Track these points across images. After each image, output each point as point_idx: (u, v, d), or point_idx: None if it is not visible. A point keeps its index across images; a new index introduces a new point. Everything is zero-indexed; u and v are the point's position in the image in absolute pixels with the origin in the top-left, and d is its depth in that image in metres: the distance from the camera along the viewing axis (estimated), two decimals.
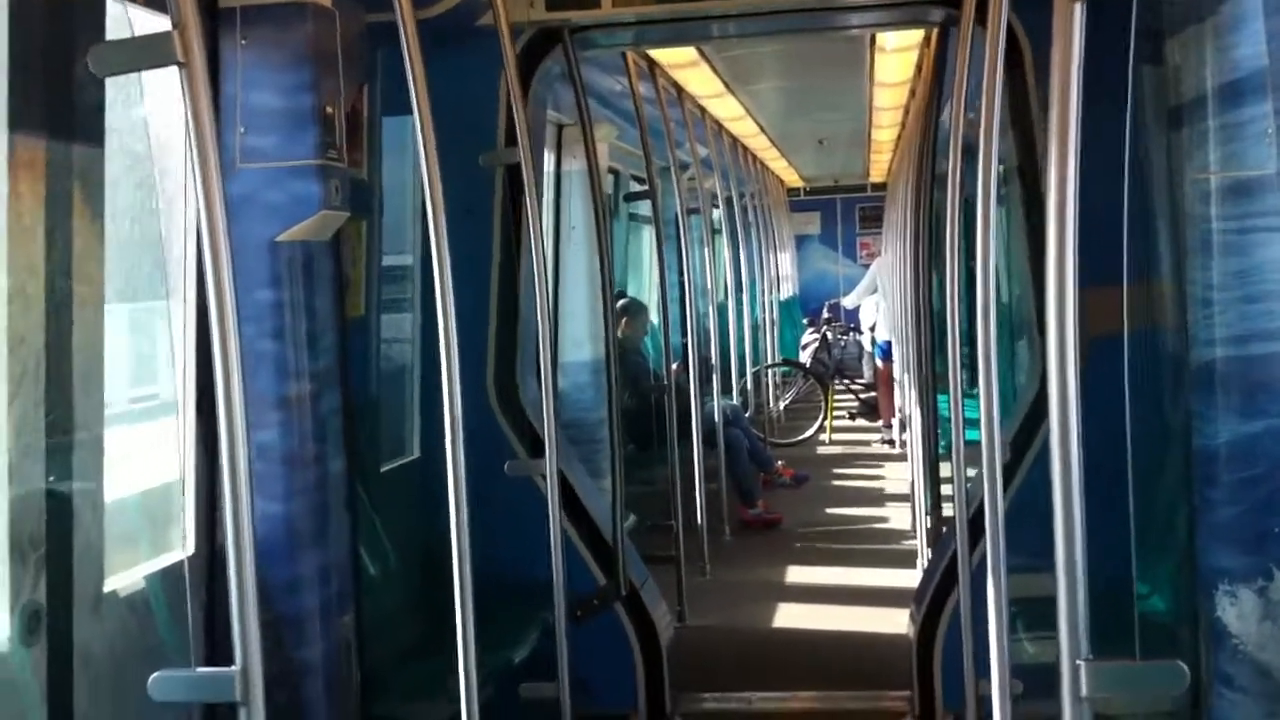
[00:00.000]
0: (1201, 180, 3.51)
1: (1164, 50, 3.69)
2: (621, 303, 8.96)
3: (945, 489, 5.69)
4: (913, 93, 9.44)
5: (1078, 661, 1.88)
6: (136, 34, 2.32)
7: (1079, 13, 1.86)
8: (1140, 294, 3.76)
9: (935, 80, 6.04)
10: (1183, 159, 3.70)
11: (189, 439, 3.70)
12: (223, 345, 2.07)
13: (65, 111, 3.26)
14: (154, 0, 3.15)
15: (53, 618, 3.21)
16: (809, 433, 13.52)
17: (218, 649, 3.58)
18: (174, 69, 2.14)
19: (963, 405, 3.78)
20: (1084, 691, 1.86)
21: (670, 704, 5.24)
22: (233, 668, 2.10)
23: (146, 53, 2.14)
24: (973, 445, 3.53)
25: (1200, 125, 3.54)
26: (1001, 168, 3.92)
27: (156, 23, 3.13)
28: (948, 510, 5.50)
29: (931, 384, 6.33)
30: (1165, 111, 3.83)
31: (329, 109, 3.88)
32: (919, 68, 8.25)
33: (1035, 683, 3.24)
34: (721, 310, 11.62)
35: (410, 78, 3.08)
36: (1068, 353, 1.87)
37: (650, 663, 5.17)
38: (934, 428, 6.32)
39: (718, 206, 12.27)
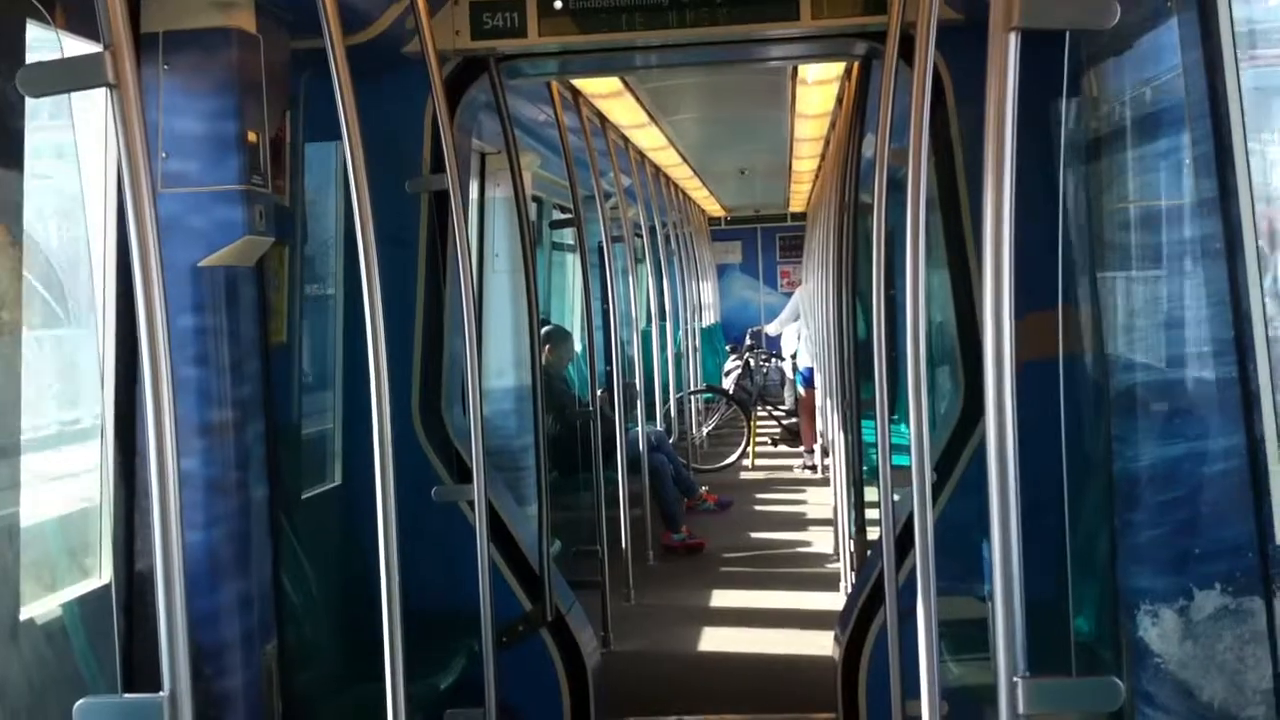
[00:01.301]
0: (1120, 209, 3.59)
1: (1084, 81, 3.77)
2: (546, 329, 8.96)
3: (869, 513, 5.74)
4: (833, 124, 9.55)
5: (1015, 678, 1.90)
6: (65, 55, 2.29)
7: (1013, 43, 1.89)
8: (1061, 320, 3.83)
9: (856, 112, 6.12)
10: (1102, 188, 3.78)
11: (109, 465, 3.63)
12: (153, 370, 2.04)
13: None
14: (79, 25, 3.12)
15: None
16: (732, 459, 13.57)
17: (136, 677, 3.51)
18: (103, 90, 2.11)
19: (889, 429, 3.82)
20: (1021, 708, 1.88)
21: None
22: (160, 694, 2.06)
23: (77, 74, 2.11)
24: (897, 469, 3.57)
25: (1119, 155, 3.63)
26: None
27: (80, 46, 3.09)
28: (872, 533, 5.55)
29: (855, 409, 6.39)
30: (1085, 142, 3.91)
31: (252, 135, 3.85)
32: (840, 100, 8.35)
33: (959, 704, 3.27)
34: (645, 337, 11.66)
35: (339, 104, 3.06)
36: (1005, 378, 1.90)
37: (576, 688, 5.16)
38: (859, 452, 6.38)
39: (641, 235, 12.32)
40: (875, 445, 3.97)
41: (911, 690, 2.84)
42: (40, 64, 2.15)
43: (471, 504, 4.26)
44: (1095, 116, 3.76)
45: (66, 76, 2.16)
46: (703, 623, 7.56)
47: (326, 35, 3.02)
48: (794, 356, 14.97)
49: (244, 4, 3.81)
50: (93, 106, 3.64)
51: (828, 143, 10.66)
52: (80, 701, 2.13)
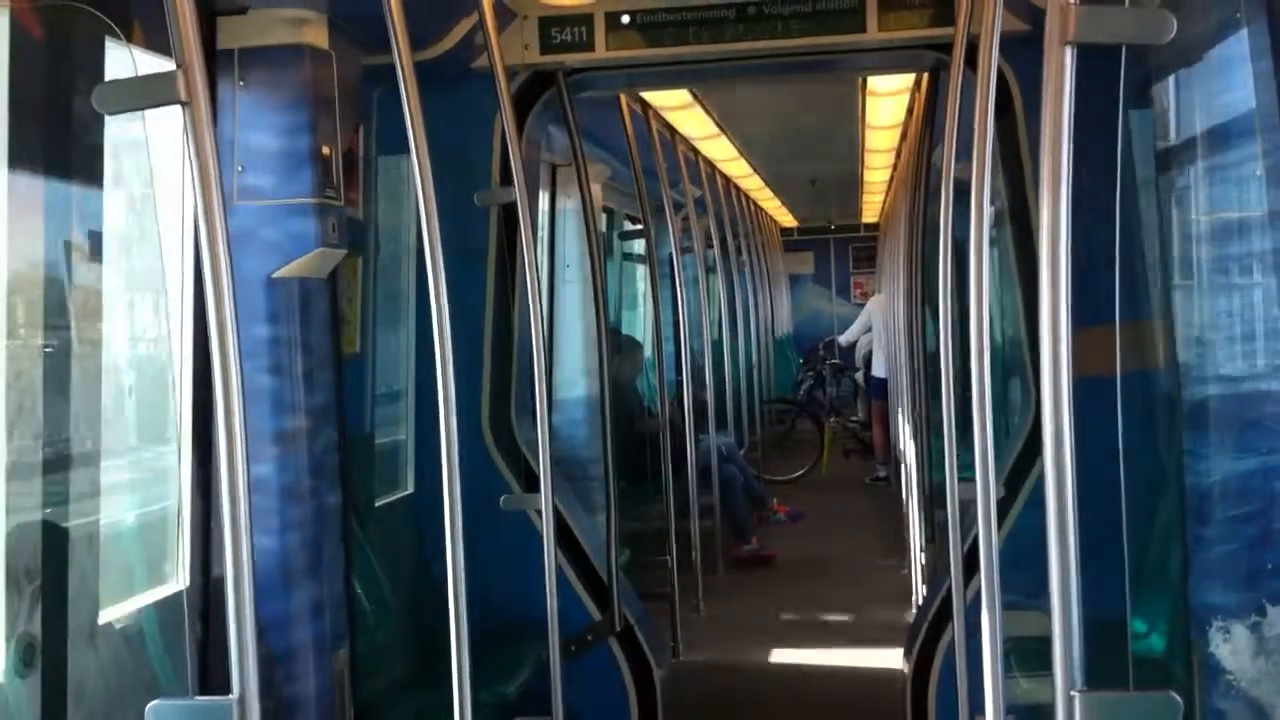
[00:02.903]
0: (1190, 221, 3.55)
1: (1152, 94, 3.74)
2: (616, 340, 8.99)
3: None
4: (904, 135, 9.51)
5: (1072, 693, 1.89)
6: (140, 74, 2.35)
7: (1069, 56, 1.89)
8: (1131, 334, 3.79)
9: (927, 123, 6.10)
10: (1172, 200, 3.74)
11: (185, 473, 3.71)
12: (224, 379, 2.09)
13: (65, 152, 3.29)
14: (156, 42, 3.20)
15: (48, 649, 3.22)
16: (804, 470, 13.52)
17: (210, 680, 3.58)
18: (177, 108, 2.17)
19: (956, 443, 3.81)
20: None
21: None
22: (230, 697, 2.11)
23: (151, 91, 2.17)
24: (967, 482, 3.55)
25: (1189, 167, 3.59)
26: (993, 210, 3.96)
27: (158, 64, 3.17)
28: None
29: (926, 421, 6.35)
30: (1154, 154, 3.87)
31: (326, 149, 3.93)
32: (910, 111, 8.31)
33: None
34: (716, 348, 11.66)
35: (408, 119, 3.11)
36: (1062, 392, 1.89)
37: (644, 698, 5.17)
38: (929, 465, 6.34)
39: (712, 246, 12.32)
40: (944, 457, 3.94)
41: (980, 705, 2.82)
42: (115, 82, 2.21)
43: (539, 512, 4.30)
44: (1164, 128, 3.72)
45: (141, 94, 2.22)
46: (772, 635, 7.55)
47: (396, 51, 3.07)
48: (867, 367, 14.89)
49: (317, 22, 3.89)
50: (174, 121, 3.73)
51: (899, 153, 10.61)
52: (153, 703, 2.18)
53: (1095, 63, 2.08)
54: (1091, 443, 2.07)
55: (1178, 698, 1.90)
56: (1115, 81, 2.89)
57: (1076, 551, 1.91)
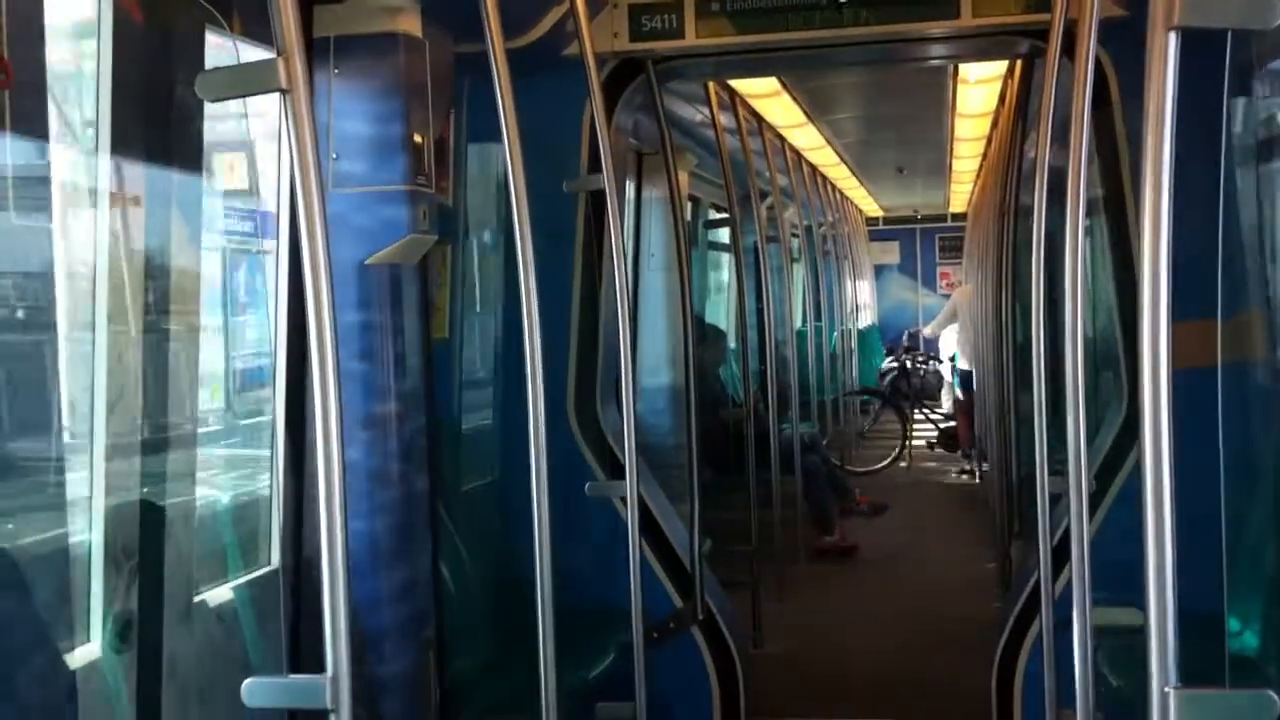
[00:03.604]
0: None
1: (1253, 82, 3.65)
2: (700, 328, 8.99)
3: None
4: (994, 123, 9.39)
5: (1166, 689, 1.86)
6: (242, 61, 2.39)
7: (1173, 42, 1.86)
8: (1231, 327, 3.71)
9: (1019, 111, 6.02)
10: (1274, 191, 3.66)
11: (279, 456, 3.78)
12: (320, 364, 2.12)
13: (165, 139, 3.36)
14: (253, 30, 3.25)
15: (144, 626, 3.30)
16: (887, 461, 13.43)
17: (301, 659, 3.65)
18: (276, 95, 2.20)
19: (1046, 436, 3.76)
20: (1172, 719, 1.85)
21: None
22: (323, 675, 2.15)
23: (252, 79, 2.21)
24: (1057, 476, 3.50)
25: None
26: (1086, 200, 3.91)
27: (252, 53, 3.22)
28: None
29: (1013, 414, 6.28)
30: (1255, 144, 3.79)
31: (418, 137, 3.96)
32: (1002, 98, 8.21)
33: (1115, 716, 3.20)
34: (800, 337, 11.61)
35: (500, 107, 3.13)
36: (1161, 386, 1.86)
37: (726, 687, 5.18)
38: (1016, 458, 6.26)
39: (797, 235, 12.26)
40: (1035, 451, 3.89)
41: (1067, 700, 2.79)
42: (218, 69, 2.25)
43: (624, 500, 4.31)
44: (1266, 118, 3.64)
45: (242, 81, 2.26)
46: (854, 627, 7.51)
47: (488, 39, 3.09)
48: (952, 359, 14.74)
49: (411, 9, 3.92)
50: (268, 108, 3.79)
51: (989, 142, 10.48)
52: (248, 681, 2.22)
53: (1197, 50, 2.03)
54: (1189, 437, 2.03)
55: (1275, 696, 1.86)
56: (1217, 69, 2.83)
57: (1173, 545, 1.88)
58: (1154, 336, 1.87)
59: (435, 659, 4.15)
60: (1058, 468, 3.18)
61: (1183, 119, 1.91)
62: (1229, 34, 2.58)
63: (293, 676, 2.33)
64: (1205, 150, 3.05)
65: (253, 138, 3.87)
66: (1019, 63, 6.06)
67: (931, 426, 14.68)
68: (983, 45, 5.19)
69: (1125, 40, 2.45)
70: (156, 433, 3.41)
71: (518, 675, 3.95)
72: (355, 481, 3.83)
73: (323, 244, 2.14)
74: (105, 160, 3.19)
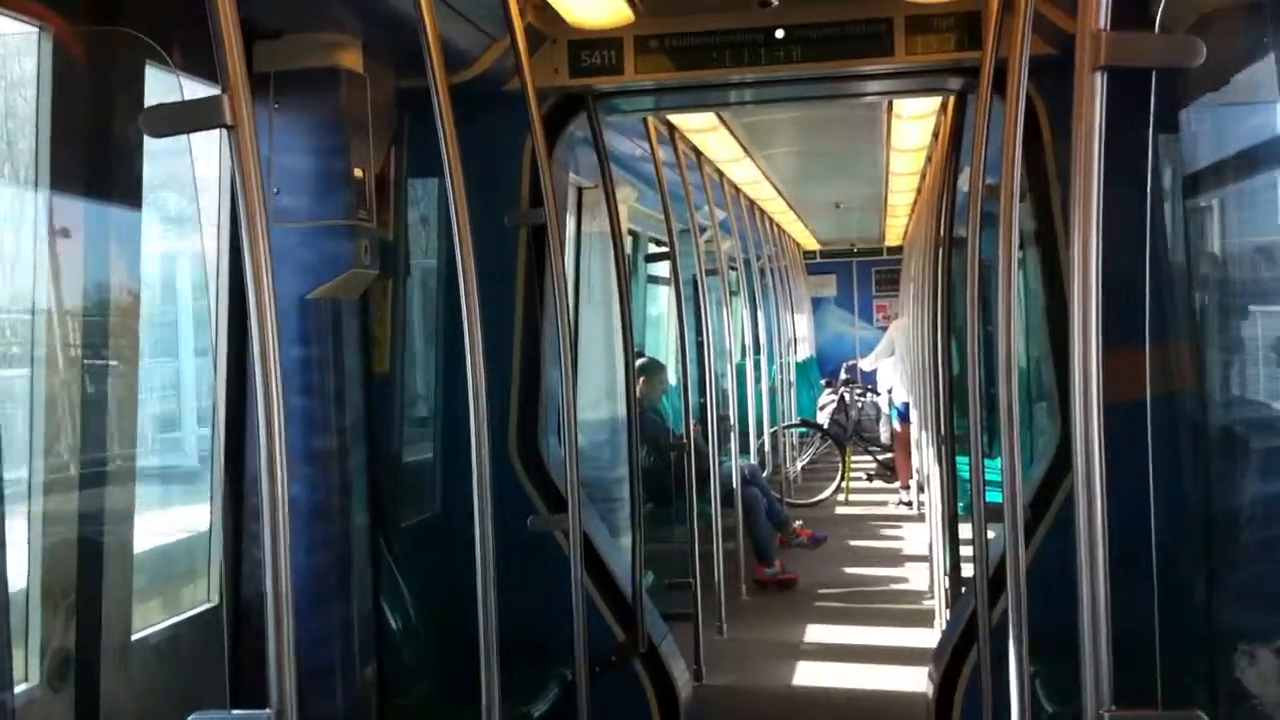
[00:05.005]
0: (1216, 246, 3.56)
1: (1180, 119, 3.75)
2: (640, 362, 9.01)
3: (964, 550, 5.70)
4: (929, 158, 9.52)
5: (1101, 712, 1.91)
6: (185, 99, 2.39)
7: (1100, 81, 1.91)
8: (1158, 357, 3.79)
9: (952, 146, 6.11)
10: (1199, 225, 3.75)
11: (218, 491, 3.75)
12: (266, 399, 2.13)
13: (105, 175, 3.34)
14: (194, 66, 3.25)
15: (81, 664, 3.25)
16: (826, 493, 13.50)
17: (241, 696, 3.61)
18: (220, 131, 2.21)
19: (983, 466, 3.82)
20: None
21: None
22: (266, 711, 2.14)
23: (196, 115, 2.21)
24: (992, 506, 3.56)
25: (1215, 192, 3.60)
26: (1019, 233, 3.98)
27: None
28: (966, 570, 5.51)
29: (951, 445, 6.35)
30: (1181, 179, 3.89)
31: (359, 171, 3.97)
32: (935, 134, 8.33)
33: None
34: (739, 371, 11.67)
35: (442, 142, 3.15)
36: (1092, 415, 1.91)
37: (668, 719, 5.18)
38: (953, 488, 6.33)
39: (735, 268, 12.32)
40: (969, 481, 3.95)
41: None
42: (161, 106, 2.25)
43: (566, 533, 4.32)
44: (1192, 154, 3.73)
45: (186, 118, 2.27)
46: (795, 657, 7.54)
47: (431, 75, 3.11)
48: (890, 391, 14.87)
49: (352, 44, 3.94)
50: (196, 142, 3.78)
51: (923, 176, 10.62)
52: (193, 716, 2.21)
53: (1123, 89, 2.10)
54: (1119, 465, 2.08)
55: (1205, 717, 1.91)
56: (1143, 107, 2.91)
57: (1106, 572, 1.93)
58: (1085, 366, 1.92)
59: (377, 695, 4.13)
60: (992, 498, 3.23)
61: (1110, 155, 1.97)
62: (1153, 73, 2.66)
63: (235, 712, 2.33)
64: (1131, 185, 3.12)
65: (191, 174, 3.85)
66: (952, 98, 6.17)
67: (869, 458, 14.78)
68: (916, 82, 5.27)
69: (1054, 78, 2.51)
70: (94, 468, 3.37)
71: (457, 710, 3.94)
72: (296, 517, 3.80)
73: (269, 280, 2.15)
74: (44, 195, 3.17)
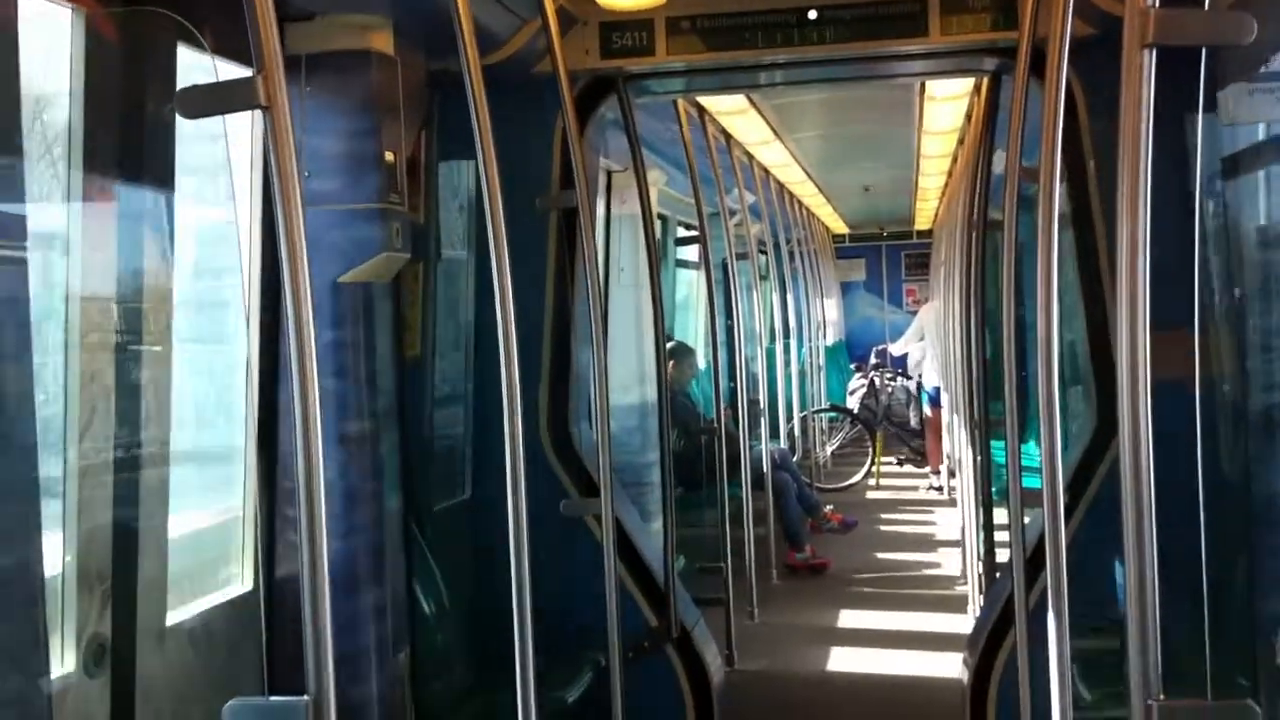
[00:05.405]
0: (1260, 227, 3.51)
1: (1221, 97, 3.69)
2: (670, 346, 8.99)
3: (998, 534, 5.67)
4: (961, 141, 9.45)
5: (1150, 701, 1.88)
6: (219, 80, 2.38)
7: (1149, 59, 1.88)
8: (1201, 341, 3.74)
9: (986, 128, 6.05)
10: (1240, 205, 3.70)
11: (252, 475, 3.75)
12: (301, 383, 2.12)
13: (137, 156, 3.34)
14: (225, 47, 3.24)
15: (117, 650, 3.26)
16: (856, 478, 13.46)
17: (276, 681, 3.62)
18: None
19: (1019, 450, 3.78)
20: None
21: None
22: (304, 697, 2.13)
23: (231, 97, 2.20)
24: (1028, 490, 3.52)
25: (1255, 172, 3.55)
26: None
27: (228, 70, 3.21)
28: (1001, 555, 5.47)
29: (983, 429, 6.31)
30: (1223, 158, 3.83)
31: (390, 154, 3.96)
32: (969, 116, 8.26)
33: None
34: (769, 355, 11.63)
35: (474, 124, 3.12)
36: (1140, 396, 1.88)
37: (700, 705, 5.16)
38: (987, 473, 6.29)
39: (765, 252, 12.28)
40: (1005, 465, 3.91)
41: (1041, 715, 2.80)
42: (196, 87, 2.24)
43: (598, 518, 4.30)
44: (1231, 134, 3.68)
45: (221, 99, 2.25)
46: (827, 643, 7.51)
47: (463, 57, 3.09)
48: (920, 375, 14.80)
49: (383, 27, 3.92)
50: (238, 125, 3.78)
51: (955, 159, 10.55)
52: (230, 703, 2.21)
53: (1165, 65, 2.05)
54: (1160, 448, 2.05)
55: (1256, 706, 1.88)
56: (1186, 85, 2.86)
57: (1154, 559, 1.90)
58: (1133, 348, 1.89)
59: (410, 679, 4.13)
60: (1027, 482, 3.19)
61: (1154, 134, 1.94)
62: (1202, 51, 2.62)
63: (273, 698, 2.32)
64: (1173, 166, 3.07)
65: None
66: (986, 80, 6.11)
67: (900, 443, 14.72)
68: (951, 63, 5.22)
69: (1092, 58, 2.48)
70: (129, 453, 3.37)
71: (493, 694, 3.94)
72: (330, 501, 3.81)
73: (304, 263, 2.13)
74: (78, 178, 3.16)
